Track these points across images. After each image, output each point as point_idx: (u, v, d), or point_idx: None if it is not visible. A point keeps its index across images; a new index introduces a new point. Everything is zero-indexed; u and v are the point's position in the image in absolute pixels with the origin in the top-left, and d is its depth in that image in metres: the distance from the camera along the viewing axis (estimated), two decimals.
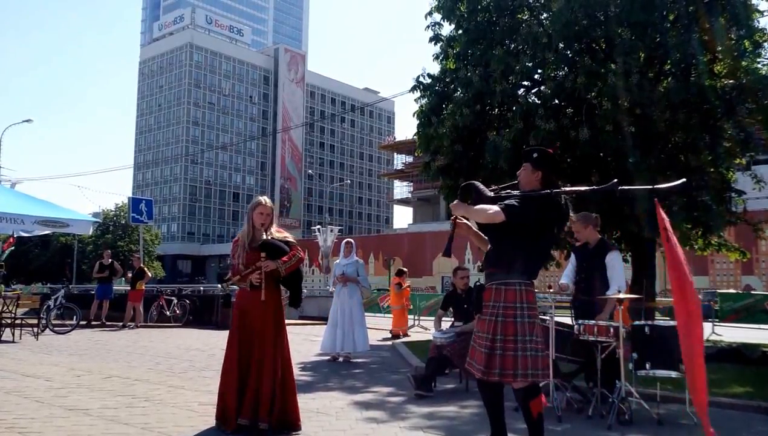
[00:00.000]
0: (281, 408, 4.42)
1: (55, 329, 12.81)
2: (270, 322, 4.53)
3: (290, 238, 4.74)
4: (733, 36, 9.80)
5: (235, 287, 4.83)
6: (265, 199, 4.73)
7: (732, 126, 9.87)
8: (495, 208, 3.53)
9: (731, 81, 9.70)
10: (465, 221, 3.83)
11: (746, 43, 9.83)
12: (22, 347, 10.23)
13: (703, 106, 9.63)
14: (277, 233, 4.69)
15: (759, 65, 10.18)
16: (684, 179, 4.10)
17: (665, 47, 9.73)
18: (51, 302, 13.83)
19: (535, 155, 3.79)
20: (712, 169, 10.27)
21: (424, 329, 15.86)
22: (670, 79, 10.12)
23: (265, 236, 4.61)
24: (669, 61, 10.17)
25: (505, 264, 3.64)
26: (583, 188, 3.98)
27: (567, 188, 3.87)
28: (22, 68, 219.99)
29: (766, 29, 10.22)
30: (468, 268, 7.65)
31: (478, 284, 3.83)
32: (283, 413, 4.44)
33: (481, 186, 3.72)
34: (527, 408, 3.58)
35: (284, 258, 4.54)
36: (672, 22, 10.16)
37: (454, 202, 3.73)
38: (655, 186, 3.99)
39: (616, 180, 3.73)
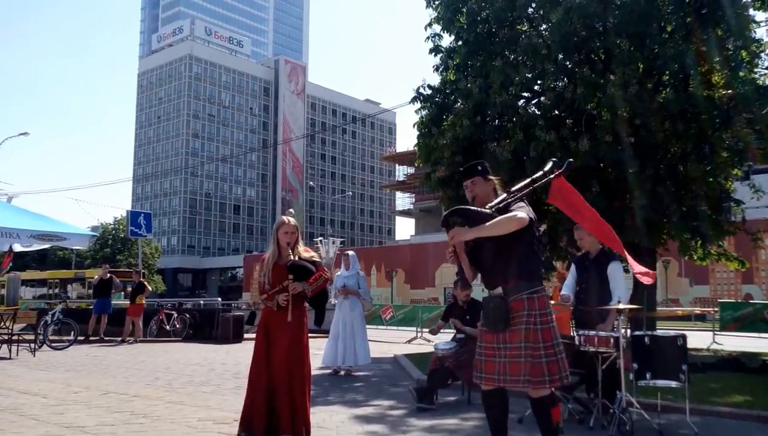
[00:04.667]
0: (302, 424, 4.43)
1: (53, 344, 12.74)
2: (295, 341, 4.54)
3: (317, 257, 4.76)
4: (729, 47, 9.85)
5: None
6: (288, 218, 4.73)
7: (730, 136, 9.90)
8: (518, 213, 3.52)
9: (728, 91, 9.72)
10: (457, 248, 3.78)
11: (743, 54, 9.89)
12: (19, 363, 10.19)
13: (700, 116, 9.66)
14: (304, 252, 4.69)
15: (755, 75, 10.23)
16: (554, 159, 4.08)
17: (663, 58, 9.77)
18: (48, 318, 13.72)
19: (480, 168, 3.88)
20: (710, 179, 10.28)
21: (426, 341, 15.81)
22: (668, 89, 10.16)
23: (291, 255, 4.60)
24: (667, 72, 10.21)
25: (527, 272, 3.66)
26: (536, 178, 4.00)
27: (524, 183, 3.92)
28: (19, 80, 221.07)
29: (762, 40, 10.28)
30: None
31: (498, 295, 3.73)
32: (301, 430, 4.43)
33: (468, 207, 3.68)
34: (549, 416, 3.60)
35: (310, 280, 4.56)
36: (669, 33, 10.20)
37: (455, 230, 3.56)
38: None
39: (554, 160, 3.96)
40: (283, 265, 4.59)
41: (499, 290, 3.68)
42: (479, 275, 3.86)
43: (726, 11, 9.50)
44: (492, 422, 3.75)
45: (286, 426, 4.33)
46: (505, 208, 3.60)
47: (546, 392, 3.60)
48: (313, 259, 4.70)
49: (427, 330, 18.42)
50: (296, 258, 4.60)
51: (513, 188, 3.80)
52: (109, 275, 15.56)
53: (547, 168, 3.95)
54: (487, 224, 3.50)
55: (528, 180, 3.89)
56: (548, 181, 3.99)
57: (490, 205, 3.64)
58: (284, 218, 4.74)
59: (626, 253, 4.88)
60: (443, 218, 3.68)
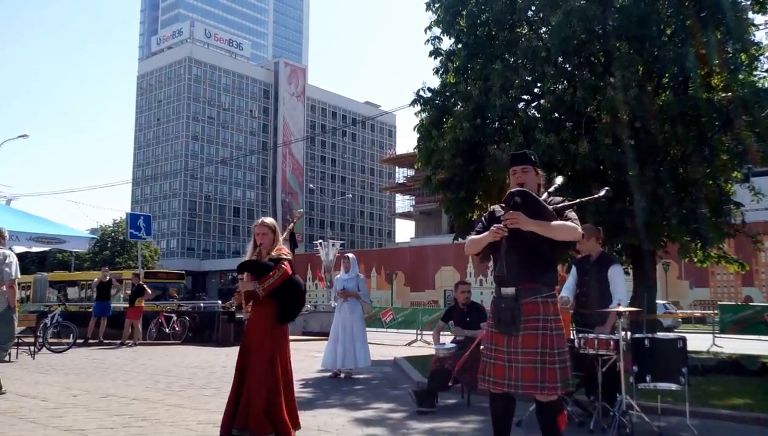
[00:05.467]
0: (281, 420, 4.40)
1: (52, 347, 12.72)
2: (264, 338, 4.54)
3: (285, 255, 4.71)
4: (729, 50, 9.87)
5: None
6: (264, 218, 4.80)
7: (729, 139, 9.91)
8: (575, 225, 3.49)
9: (728, 94, 9.74)
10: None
11: (742, 57, 9.92)
12: (18, 366, 10.17)
13: (700, 119, 9.67)
14: (275, 251, 4.70)
15: (755, 78, 10.24)
16: (607, 188, 4.09)
17: (663, 61, 9.80)
18: (48, 320, 13.69)
19: (533, 157, 3.78)
20: (710, 182, 10.29)
21: (426, 344, 15.80)
22: (668, 92, 10.17)
23: (263, 255, 4.64)
24: (666, 75, 10.22)
25: (547, 276, 3.62)
26: (584, 199, 4.02)
27: (581, 199, 3.93)
28: (18, 82, 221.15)
29: (761, 43, 10.29)
30: (470, 282, 7.60)
31: (510, 294, 3.65)
32: (278, 425, 4.40)
33: (538, 197, 3.55)
34: (555, 422, 3.56)
35: (263, 278, 4.54)
36: (669, 36, 10.22)
37: (517, 214, 3.40)
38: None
39: (607, 188, 3.90)
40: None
41: (512, 290, 3.57)
42: (487, 271, 3.83)
43: (725, 14, 9.52)
44: (496, 425, 3.72)
45: (253, 425, 4.31)
46: (560, 212, 3.54)
47: (555, 397, 3.56)
48: (281, 256, 4.65)
49: (427, 333, 18.44)
50: (267, 258, 4.61)
51: (551, 189, 3.74)
52: (108, 277, 15.56)
53: (600, 193, 3.93)
54: (553, 223, 3.43)
55: (577, 200, 3.86)
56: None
57: (550, 202, 3.60)
58: (262, 218, 4.82)
59: None
60: (509, 193, 3.51)
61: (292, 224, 5.20)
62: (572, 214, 3.57)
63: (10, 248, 8.45)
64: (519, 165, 3.73)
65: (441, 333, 7.60)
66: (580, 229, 3.50)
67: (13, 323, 7.30)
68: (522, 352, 3.52)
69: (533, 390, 3.49)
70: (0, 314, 6.98)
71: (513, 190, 3.53)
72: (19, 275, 7.11)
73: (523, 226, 3.41)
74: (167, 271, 38.34)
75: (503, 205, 3.55)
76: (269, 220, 4.81)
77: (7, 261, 6.94)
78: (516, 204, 3.43)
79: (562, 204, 3.59)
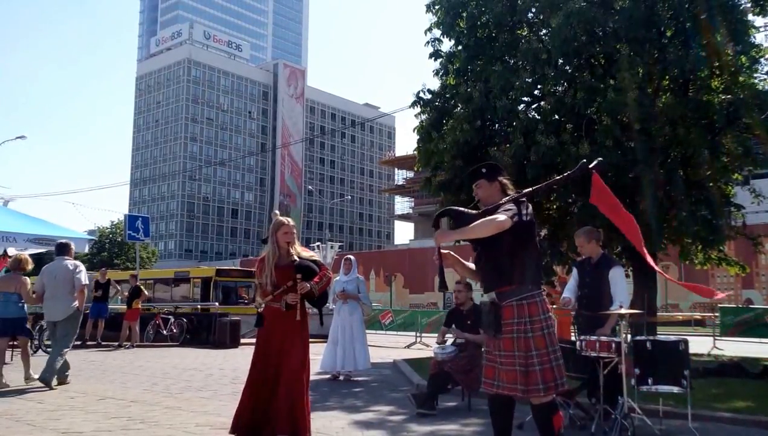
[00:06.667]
0: (301, 426, 4.38)
1: (49, 349, 12.64)
2: (298, 341, 4.55)
3: (317, 257, 4.79)
4: (730, 52, 9.84)
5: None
6: (287, 219, 4.78)
7: (730, 141, 9.89)
8: (498, 216, 3.45)
9: (728, 96, 9.72)
10: (449, 251, 3.76)
11: (743, 59, 9.89)
12: (14, 367, 10.10)
13: (701, 121, 9.65)
14: (303, 251, 4.74)
15: (755, 80, 10.23)
16: (600, 159, 4.06)
17: (663, 63, 9.78)
18: (44, 322, 13.62)
19: (484, 170, 3.84)
20: (710, 184, 10.27)
21: (425, 346, 15.75)
22: (668, 94, 10.15)
23: (293, 256, 4.63)
24: (667, 77, 10.20)
25: (518, 277, 3.60)
26: (557, 178, 4.02)
27: (546, 182, 4.12)
28: (16, 83, 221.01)
29: (761, 45, 10.28)
30: (470, 283, 7.50)
31: (490, 300, 3.70)
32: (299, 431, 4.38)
33: (459, 208, 3.70)
34: (550, 423, 3.57)
35: (315, 279, 4.57)
36: (669, 38, 10.20)
37: (439, 232, 3.58)
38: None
39: (584, 160, 3.89)
40: (286, 265, 4.58)
41: (492, 295, 3.67)
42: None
43: (725, 16, 9.50)
44: (496, 427, 3.72)
45: (284, 427, 4.28)
46: (493, 210, 3.55)
47: (546, 399, 3.56)
48: (314, 258, 4.73)
49: (426, 335, 18.40)
50: (298, 258, 4.61)
51: (524, 191, 3.75)
52: (107, 278, 15.51)
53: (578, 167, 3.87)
54: (470, 225, 3.49)
55: (551, 181, 3.93)
56: (580, 180, 3.97)
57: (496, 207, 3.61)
58: (282, 218, 4.77)
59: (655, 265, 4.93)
60: (434, 217, 3.72)
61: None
62: (505, 207, 3.55)
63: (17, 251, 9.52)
64: (472, 182, 3.88)
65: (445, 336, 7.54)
66: (502, 217, 3.44)
67: (78, 324, 8.11)
68: (502, 354, 3.60)
69: (513, 391, 3.54)
70: (69, 317, 7.81)
71: (437, 212, 3.78)
72: (87, 281, 8.06)
73: (445, 238, 3.57)
74: (239, 269, 33.64)
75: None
76: (291, 220, 4.83)
77: (77, 270, 7.90)
78: (438, 224, 3.65)
79: (500, 204, 3.60)
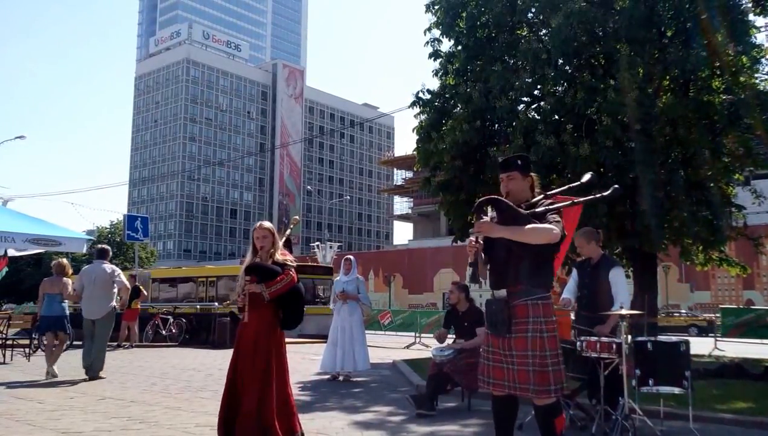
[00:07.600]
0: (272, 427, 4.34)
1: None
2: (260, 344, 4.48)
3: (290, 261, 4.68)
4: (729, 52, 9.83)
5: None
6: (262, 222, 4.75)
7: (730, 141, 9.88)
8: (554, 228, 3.41)
9: (729, 97, 9.72)
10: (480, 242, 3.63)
11: (744, 59, 9.87)
12: (14, 368, 10.09)
13: (702, 121, 9.64)
14: (280, 255, 4.65)
15: (756, 81, 10.22)
16: (616, 186, 4.02)
17: (663, 63, 9.76)
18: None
19: (520, 162, 3.74)
20: (711, 185, 10.26)
21: (425, 347, 15.74)
22: (669, 94, 10.13)
23: (267, 259, 4.59)
24: (667, 77, 10.19)
25: (534, 278, 3.56)
26: (591, 197, 3.98)
27: (583, 198, 3.93)
28: (16, 83, 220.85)
29: (762, 45, 10.27)
30: (467, 285, 7.47)
31: (502, 298, 3.63)
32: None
33: (507, 200, 3.54)
34: (553, 424, 3.54)
35: (270, 282, 4.49)
36: (670, 38, 10.19)
37: (485, 223, 3.45)
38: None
39: (616, 185, 3.86)
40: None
41: (503, 292, 3.59)
42: (486, 274, 3.72)
43: (726, 16, 9.49)
44: (499, 427, 3.69)
45: (248, 428, 4.26)
46: (541, 216, 3.49)
47: (551, 400, 3.54)
48: (286, 262, 4.63)
49: (426, 335, 18.39)
50: (269, 261, 4.57)
51: (550, 192, 3.70)
52: None
53: (607, 192, 3.85)
54: (524, 228, 3.40)
55: (578, 199, 3.86)
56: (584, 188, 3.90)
57: (530, 206, 3.55)
58: (260, 221, 4.77)
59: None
60: (477, 203, 3.59)
61: (288, 230, 5.13)
62: (553, 216, 3.51)
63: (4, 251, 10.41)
64: (504, 172, 3.73)
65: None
66: (557, 230, 3.41)
67: (113, 322, 8.96)
68: (514, 354, 3.53)
69: (526, 392, 3.50)
70: (106, 315, 8.59)
71: (482, 199, 3.60)
72: (127, 283, 9.03)
73: (492, 233, 3.45)
74: (314, 265, 30.06)
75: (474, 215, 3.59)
76: (267, 223, 4.76)
77: (116, 273, 8.75)
78: (481, 211, 3.51)
79: (544, 208, 3.53)
